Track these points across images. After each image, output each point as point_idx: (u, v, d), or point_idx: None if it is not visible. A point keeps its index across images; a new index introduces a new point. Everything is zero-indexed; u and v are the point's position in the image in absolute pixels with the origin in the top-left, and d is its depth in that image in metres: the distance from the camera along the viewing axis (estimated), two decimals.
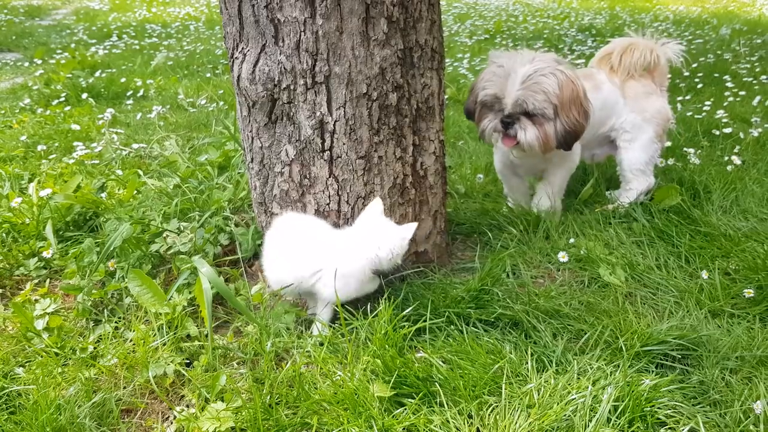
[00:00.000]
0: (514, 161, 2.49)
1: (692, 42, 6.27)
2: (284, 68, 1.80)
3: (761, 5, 8.91)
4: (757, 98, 4.05)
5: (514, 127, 2.22)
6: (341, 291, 1.75)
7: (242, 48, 1.86)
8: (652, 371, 1.60)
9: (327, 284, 1.77)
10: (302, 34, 1.76)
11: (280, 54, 1.79)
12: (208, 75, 5.29)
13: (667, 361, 1.66)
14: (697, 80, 4.70)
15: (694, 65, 5.16)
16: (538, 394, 1.51)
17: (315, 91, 1.82)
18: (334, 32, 1.76)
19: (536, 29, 7.39)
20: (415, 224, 1.84)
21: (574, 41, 6.56)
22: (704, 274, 2.01)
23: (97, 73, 5.17)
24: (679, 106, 4.03)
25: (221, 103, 4.32)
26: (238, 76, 1.88)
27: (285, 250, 1.83)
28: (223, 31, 1.97)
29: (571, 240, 2.30)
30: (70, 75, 5.00)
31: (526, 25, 7.72)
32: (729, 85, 4.48)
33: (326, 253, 1.81)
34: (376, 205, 1.84)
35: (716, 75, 4.83)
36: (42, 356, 1.72)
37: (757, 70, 4.98)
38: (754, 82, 4.61)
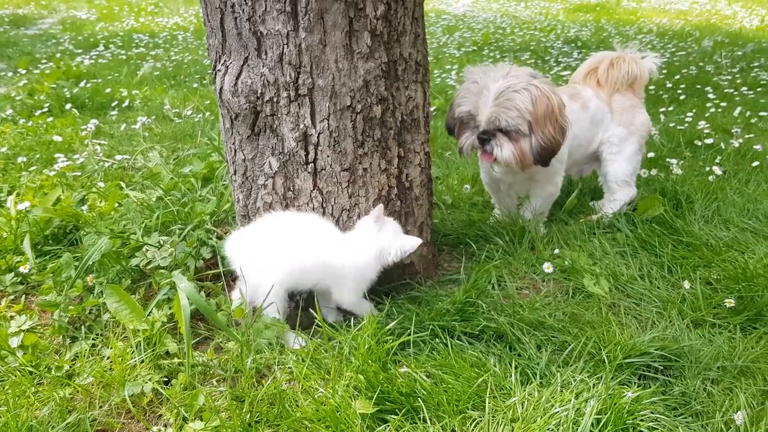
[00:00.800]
0: (497, 176, 2.49)
1: (675, 54, 6.34)
2: (267, 81, 1.79)
3: (742, 18, 9.03)
4: (738, 109, 4.10)
5: (491, 144, 2.21)
6: (354, 291, 1.85)
7: (225, 60, 1.85)
8: (635, 383, 1.60)
9: (343, 285, 1.86)
10: (285, 46, 1.75)
11: (263, 66, 1.79)
12: (195, 85, 5.27)
13: (649, 372, 1.66)
14: (679, 92, 4.74)
15: (677, 77, 5.21)
16: (522, 408, 1.50)
17: (298, 104, 1.82)
18: (317, 45, 1.75)
19: (523, 41, 7.43)
20: (419, 241, 1.88)
21: (560, 53, 6.61)
22: (686, 284, 2.02)
23: (82, 84, 5.14)
24: (662, 117, 4.07)
25: (207, 113, 4.30)
26: (221, 89, 1.87)
27: (287, 249, 1.81)
28: (207, 43, 1.96)
29: (556, 251, 2.30)
30: (55, 85, 4.97)
31: (514, 37, 7.77)
32: (711, 96, 4.53)
33: (340, 251, 1.85)
34: (377, 211, 1.86)
35: (698, 86, 4.88)
36: (15, 375, 1.68)
37: (738, 81, 5.04)
38: (735, 93, 4.66)
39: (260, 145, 1.91)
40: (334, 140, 1.86)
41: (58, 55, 6.49)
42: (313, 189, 1.93)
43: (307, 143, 1.87)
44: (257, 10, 1.73)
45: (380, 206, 1.87)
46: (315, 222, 1.88)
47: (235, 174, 2.03)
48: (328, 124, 1.84)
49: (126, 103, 4.60)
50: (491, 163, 2.29)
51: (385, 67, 1.86)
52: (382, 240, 1.86)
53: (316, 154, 1.88)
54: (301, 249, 1.81)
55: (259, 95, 1.82)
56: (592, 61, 2.69)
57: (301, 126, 1.84)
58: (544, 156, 2.19)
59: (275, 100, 1.82)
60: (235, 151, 1.97)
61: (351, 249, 1.85)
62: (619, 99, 2.63)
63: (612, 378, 1.58)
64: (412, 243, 1.87)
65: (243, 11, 1.74)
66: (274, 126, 1.87)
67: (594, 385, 1.53)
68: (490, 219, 2.58)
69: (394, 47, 1.87)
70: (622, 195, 2.61)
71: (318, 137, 1.85)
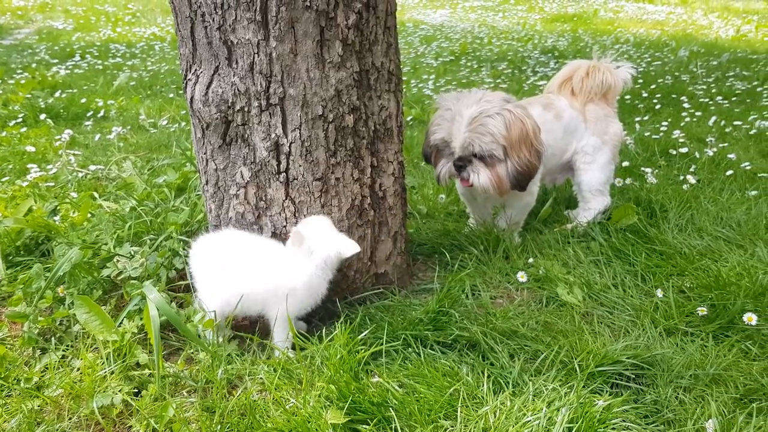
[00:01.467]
0: (473, 192, 2.44)
1: (651, 64, 6.42)
2: (238, 90, 1.78)
3: (718, 28, 9.18)
4: (713, 118, 4.16)
5: (467, 170, 2.20)
6: (292, 307, 1.75)
7: (195, 70, 1.84)
8: (607, 391, 1.61)
9: (275, 302, 1.77)
10: (256, 56, 1.75)
11: (234, 76, 1.78)
12: (171, 95, 5.23)
13: (621, 380, 1.67)
14: (655, 101, 4.80)
15: (653, 86, 5.28)
16: (494, 417, 1.50)
17: (270, 113, 1.81)
18: (288, 54, 1.75)
19: (501, 51, 7.49)
20: (357, 249, 1.77)
21: (538, 63, 6.67)
22: (659, 293, 2.03)
23: (57, 94, 5.08)
24: (637, 126, 4.11)
25: (183, 123, 4.28)
26: (192, 98, 1.85)
27: (229, 269, 1.79)
28: (178, 52, 1.94)
29: (530, 260, 2.31)
30: (29, 95, 4.91)
31: (491, 47, 7.82)
32: (686, 105, 4.59)
33: (273, 267, 1.80)
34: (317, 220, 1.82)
35: (674, 96, 4.94)
36: None
37: (714, 91, 5.12)
38: (710, 103, 4.73)
39: (232, 154, 1.90)
40: (306, 150, 1.86)
41: (33, 65, 6.42)
42: (286, 199, 1.92)
43: (279, 153, 1.86)
44: (227, 19, 1.72)
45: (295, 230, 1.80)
46: (261, 245, 1.86)
47: (207, 184, 2.01)
48: (299, 133, 1.84)
49: (101, 114, 4.56)
50: (469, 188, 2.29)
51: (357, 77, 1.86)
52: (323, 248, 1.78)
53: (288, 163, 1.87)
54: (245, 276, 1.78)
55: (230, 105, 1.80)
56: (567, 70, 2.69)
57: (273, 135, 1.83)
58: (521, 180, 2.18)
59: (246, 109, 1.81)
60: (207, 160, 1.96)
61: (296, 268, 1.79)
62: (593, 108, 2.64)
63: (584, 386, 1.58)
64: (350, 250, 1.77)
65: (213, 20, 1.74)
66: (246, 135, 1.85)
67: (566, 393, 1.54)
68: (465, 229, 2.57)
69: (366, 56, 1.87)
70: (597, 204, 2.63)
71: (290, 147, 1.85)
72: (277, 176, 1.88)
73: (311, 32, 1.74)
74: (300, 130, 1.83)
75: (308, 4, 1.71)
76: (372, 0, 1.83)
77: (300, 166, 1.87)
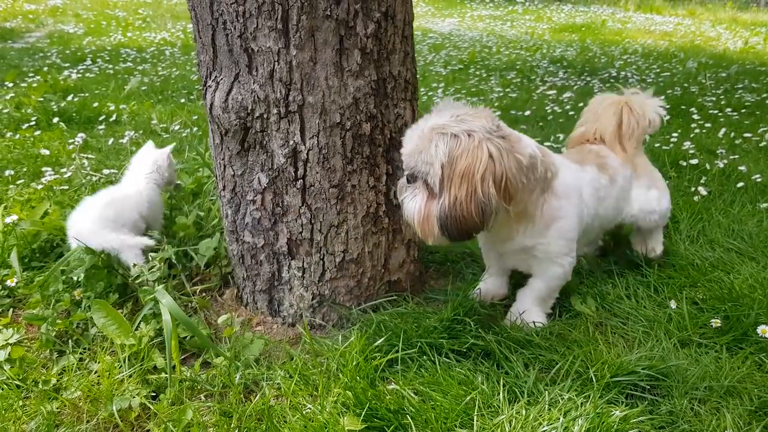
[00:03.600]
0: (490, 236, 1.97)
1: (660, 75, 6.43)
2: (258, 97, 1.80)
3: (726, 40, 9.19)
4: (723, 130, 4.16)
5: (407, 191, 1.78)
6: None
7: (215, 76, 1.86)
8: (622, 402, 1.61)
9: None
10: (276, 63, 1.76)
11: (254, 83, 1.80)
12: (183, 100, 5.26)
13: (636, 391, 1.67)
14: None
15: (662, 97, 5.25)
16: (510, 426, 1.50)
17: (288, 120, 1.82)
18: (307, 62, 1.77)
19: (509, 60, 7.51)
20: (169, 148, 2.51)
21: (546, 72, 6.69)
22: (672, 304, 2.04)
23: (70, 97, 5.11)
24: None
25: (195, 129, 4.30)
26: (211, 104, 1.87)
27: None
28: (197, 59, 1.96)
29: None
30: (42, 99, 4.94)
31: (500, 56, 7.85)
32: (696, 117, 4.60)
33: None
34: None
35: (683, 107, 4.95)
36: (3, 389, 1.66)
37: (723, 102, 5.12)
38: (720, 114, 4.73)
39: (250, 161, 1.92)
40: (324, 157, 1.87)
41: (45, 68, 6.46)
42: (302, 205, 1.93)
43: (297, 160, 1.87)
44: (249, 27, 1.74)
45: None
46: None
47: (224, 189, 2.03)
48: (317, 140, 1.85)
49: (113, 118, 4.59)
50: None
51: (375, 85, 1.87)
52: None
53: (305, 170, 1.89)
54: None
55: (249, 111, 1.82)
56: (610, 112, 2.23)
57: (291, 142, 1.85)
58: (449, 227, 1.66)
59: (265, 116, 1.83)
60: (225, 166, 1.98)
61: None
62: (641, 159, 2.28)
63: (599, 396, 1.58)
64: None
65: (234, 28, 1.75)
66: (264, 142, 1.87)
67: (582, 403, 1.54)
68: (475, 292, 2.12)
69: (384, 65, 1.89)
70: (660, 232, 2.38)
71: (307, 154, 1.86)
72: (294, 183, 1.90)
73: (331, 41, 1.76)
74: (318, 137, 1.85)
75: (328, 13, 1.73)
76: (391, 9, 1.85)
77: (317, 173, 1.89)
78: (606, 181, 2.08)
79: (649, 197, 2.25)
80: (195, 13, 1.84)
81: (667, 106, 2.37)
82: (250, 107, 1.82)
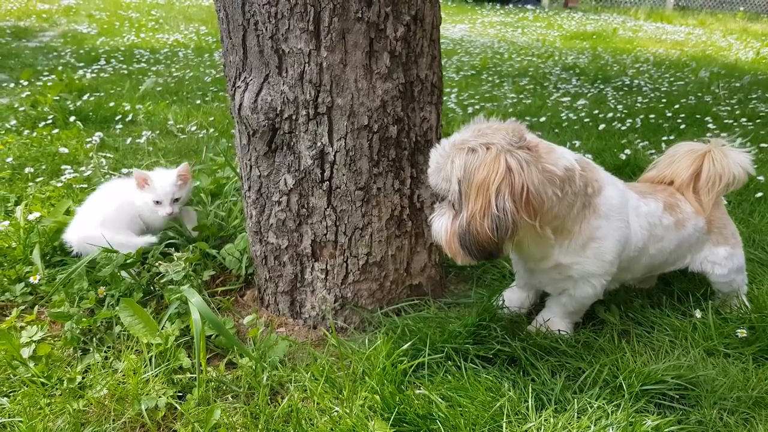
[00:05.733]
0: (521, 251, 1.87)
1: (673, 84, 6.42)
2: (287, 98, 1.80)
3: (737, 50, 9.17)
4: (738, 140, 4.13)
5: (436, 209, 1.74)
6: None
7: (245, 77, 1.86)
8: (651, 411, 1.60)
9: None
10: (306, 65, 1.76)
11: (283, 84, 1.79)
12: (198, 102, 5.27)
13: (664, 400, 1.66)
14: (679, 121, 4.79)
15: (676, 106, 5.27)
16: None
17: (317, 122, 1.82)
18: (338, 64, 1.77)
19: (521, 66, 7.51)
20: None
21: (559, 79, 6.68)
22: (698, 313, 2.02)
23: (85, 97, 5.13)
24: (663, 145, 4.11)
25: (211, 130, 4.31)
26: (240, 105, 1.87)
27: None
28: (224, 59, 1.96)
29: None
30: (58, 97, 4.95)
31: (512, 62, 7.85)
32: (711, 126, 4.58)
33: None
34: None
35: (698, 116, 4.93)
36: (28, 386, 1.66)
37: (737, 112, 5.10)
38: (735, 124, 4.72)
39: (276, 162, 1.91)
40: (351, 159, 1.87)
41: (60, 67, 6.49)
42: (327, 207, 1.93)
43: (324, 161, 1.87)
44: (280, 28, 1.74)
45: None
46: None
47: (249, 190, 2.03)
48: (345, 143, 1.85)
49: (129, 118, 4.60)
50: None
51: (402, 88, 1.87)
52: None
53: (331, 172, 1.88)
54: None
55: (278, 113, 1.82)
56: (689, 159, 2.06)
57: (318, 144, 1.85)
58: (468, 244, 1.60)
59: (294, 117, 1.82)
60: (251, 167, 1.97)
61: None
62: (718, 214, 2.10)
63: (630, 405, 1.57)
64: None
65: (266, 29, 1.76)
66: (292, 143, 1.87)
67: (612, 412, 1.53)
68: (499, 300, 2.09)
69: (412, 68, 1.88)
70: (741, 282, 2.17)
71: (335, 156, 1.86)
72: (320, 185, 1.89)
73: (361, 43, 1.76)
74: (345, 139, 1.84)
75: (359, 16, 1.73)
76: (420, 12, 1.85)
77: (343, 175, 1.88)
78: (669, 222, 1.93)
79: (718, 252, 2.07)
80: (226, 13, 1.84)
81: (708, 137, 2.17)
82: (279, 108, 1.81)
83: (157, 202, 2.33)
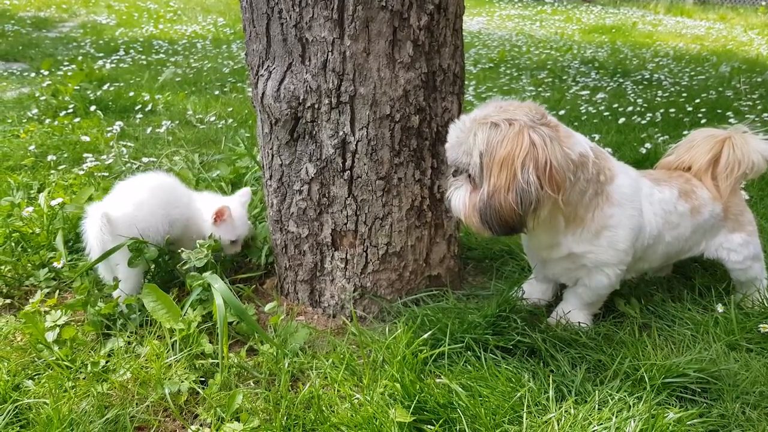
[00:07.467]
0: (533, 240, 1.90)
1: (694, 78, 6.35)
2: (310, 87, 1.80)
3: (758, 45, 9.04)
4: (760, 135, 4.08)
5: (452, 184, 1.74)
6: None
7: (268, 66, 1.87)
8: (673, 404, 1.59)
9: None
10: (329, 54, 1.76)
11: (307, 73, 1.80)
12: (216, 92, 5.30)
13: (686, 394, 1.65)
14: (700, 115, 4.74)
15: (697, 101, 5.22)
16: (559, 425, 1.49)
17: (339, 111, 1.82)
18: (361, 53, 1.77)
19: (540, 60, 7.46)
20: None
21: (578, 73, 6.63)
22: (719, 308, 2.01)
23: (105, 87, 5.17)
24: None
25: (230, 120, 4.33)
26: (263, 94, 1.88)
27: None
28: (247, 48, 1.97)
29: None
30: (78, 87, 5.00)
31: (530, 55, 7.80)
32: (732, 121, 4.53)
33: None
34: None
35: (719, 111, 4.88)
36: (53, 368, 1.69)
37: (759, 107, 5.04)
38: (757, 119, 4.66)
39: (298, 151, 1.92)
40: (372, 149, 1.87)
41: (79, 57, 6.54)
42: (348, 196, 1.93)
43: (345, 151, 1.87)
44: (304, 16, 1.74)
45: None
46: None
47: (270, 179, 2.03)
48: (366, 132, 1.85)
49: (149, 107, 4.63)
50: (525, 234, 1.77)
51: (425, 78, 1.87)
52: None
53: (353, 161, 1.89)
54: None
55: (301, 101, 1.83)
56: (707, 145, 2.04)
57: (341, 133, 1.85)
58: (489, 218, 1.59)
59: (316, 106, 1.83)
60: (273, 156, 1.98)
61: None
62: (735, 200, 2.08)
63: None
64: None
65: (290, 17, 1.76)
66: (314, 132, 1.87)
67: (633, 404, 1.52)
68: (519, 292, 2.04)
69: (435, 58, 1.88)
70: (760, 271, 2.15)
71: (356, 145, 1.86)
72: (341, 174, 1.90)
73: (384, 32, 1.76)
74: (367, 128, 1.84)
75: (383, 4, 1.73)
76: (444, 1, 1.84)
77: (365, 164, 1.88)
78: (685, 208, 1.92)
79: (733, 239, 2.06)
80: (249, 1, 1.85)
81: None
82: (301, 97, 1.82)
83: (233, 241, 2.20)
